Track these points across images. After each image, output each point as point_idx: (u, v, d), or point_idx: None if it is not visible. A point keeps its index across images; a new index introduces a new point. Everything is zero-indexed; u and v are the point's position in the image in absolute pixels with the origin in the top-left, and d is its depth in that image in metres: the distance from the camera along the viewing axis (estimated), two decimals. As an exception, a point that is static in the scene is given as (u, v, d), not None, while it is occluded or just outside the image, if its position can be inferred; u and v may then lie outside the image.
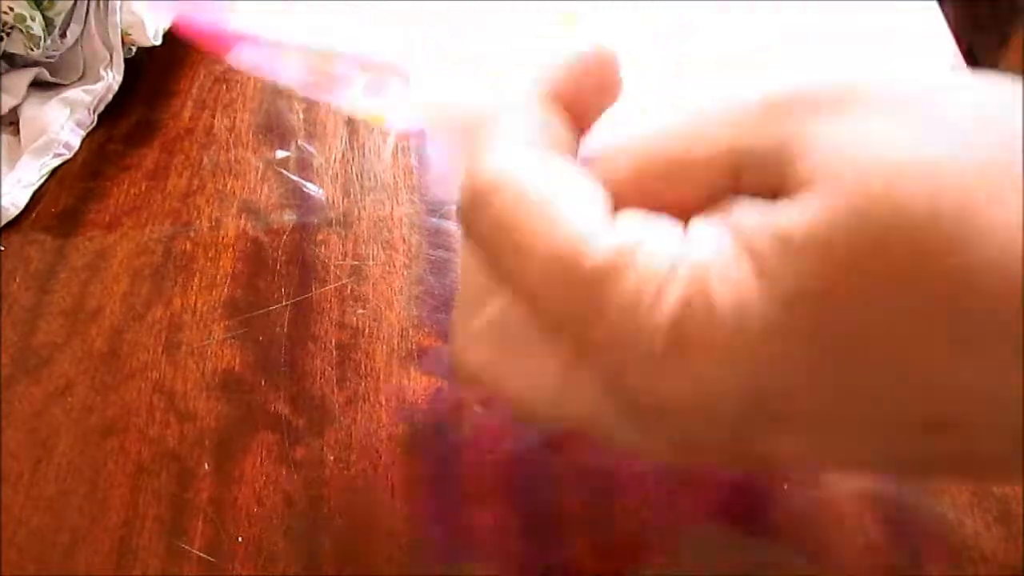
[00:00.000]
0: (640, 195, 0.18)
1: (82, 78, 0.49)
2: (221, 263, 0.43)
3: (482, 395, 0.36)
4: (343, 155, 0.48)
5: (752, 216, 0.16)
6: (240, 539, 0.35)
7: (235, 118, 0.50)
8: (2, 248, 0.45)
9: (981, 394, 0.13)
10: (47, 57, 0.48)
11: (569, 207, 0.17)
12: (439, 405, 0.38)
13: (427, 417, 0.36)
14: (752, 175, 0.16)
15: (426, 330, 0.41)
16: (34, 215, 0.46)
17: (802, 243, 0.14)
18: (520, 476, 0.35)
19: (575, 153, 0.21)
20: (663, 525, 0.32)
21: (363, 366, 0.40)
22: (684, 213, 0.18)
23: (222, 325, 0.41)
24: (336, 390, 0.39)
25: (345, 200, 0.46)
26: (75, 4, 0.48)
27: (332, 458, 0.37)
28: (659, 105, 0.45)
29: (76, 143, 0.48)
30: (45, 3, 0.47)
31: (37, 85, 0.48)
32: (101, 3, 0.48)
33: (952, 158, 0.13)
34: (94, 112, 0.49)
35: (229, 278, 0.43)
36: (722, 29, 0.56)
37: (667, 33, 0.37)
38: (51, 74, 0.49)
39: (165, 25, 0.50)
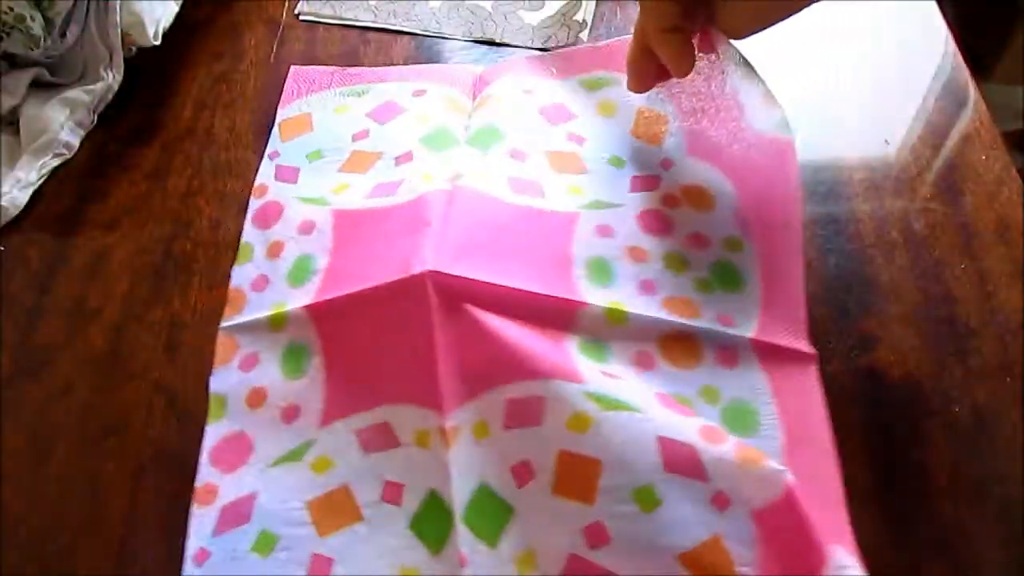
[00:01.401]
0: None
1: (82, 78, 0.49)
2: (221, 263, 0.43)
3: None
4: (343, 155, 0.48)
5: None
6: (240, 539, 0.35)
7: (235, 118, 0.50)
8: (2, 248, 0.44)
9: None
10: (47, 57, 0.48)
11: None
12: None
13: None
14: None
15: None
16: (34, 215, 0.46)
17: None
18: None
19: None
20: None
21: (363, 366, 0.40)
22: None
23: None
24: (336, 390, 0.39)
25: (345, 200, 0.46)
26: (75, 4, 0.48)
27: (332, 458, 0.37)
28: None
29: (76, 143, 0.48)
30: (45, 3, 0.47)
31: (37, 85, 0.48)
32: (101, 3, 0.48)
33: None
34: (94, 112, 0.49)
35: (229, 278, 0.43)
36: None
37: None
38: (51, 74, 0.49)
39: (165, 25, 0.50)
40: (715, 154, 0.43)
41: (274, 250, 0.41)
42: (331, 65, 0.52)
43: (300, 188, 0.44)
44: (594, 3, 0.54)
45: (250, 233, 0.43)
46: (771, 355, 0.37)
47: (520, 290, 0.36)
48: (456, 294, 0.36)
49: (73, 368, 0.40)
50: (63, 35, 0.48)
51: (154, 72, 0.52)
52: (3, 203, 0.45)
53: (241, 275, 0.41)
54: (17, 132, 0.47)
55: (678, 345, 0.37)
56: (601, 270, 0.39)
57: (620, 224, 0.40)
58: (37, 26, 0.47)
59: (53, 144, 0.47)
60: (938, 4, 0.55)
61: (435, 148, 0.44)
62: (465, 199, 0.39)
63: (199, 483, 0.35)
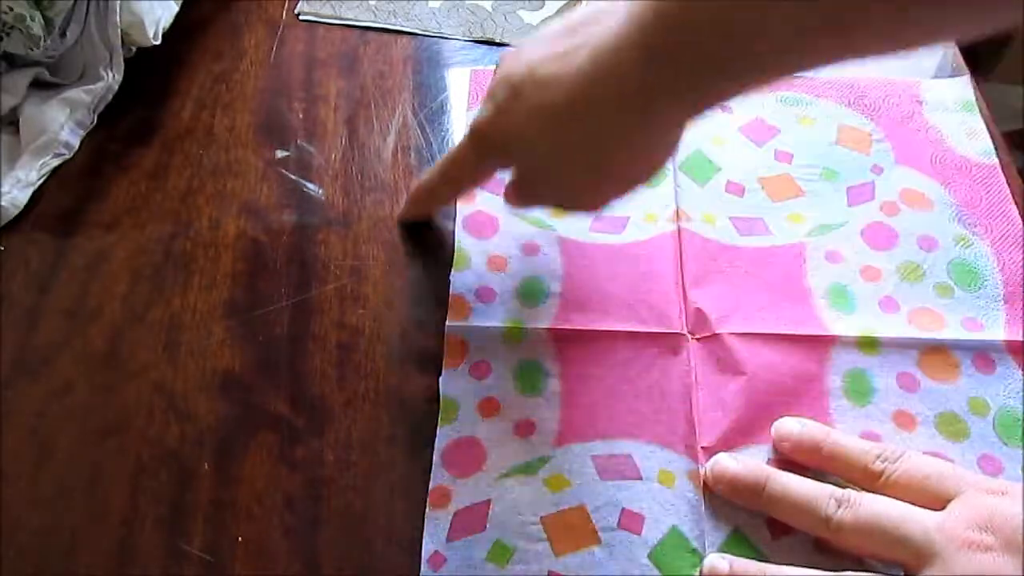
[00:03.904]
0: None
1: (82, 78, 0.49)
2: (221, 263, 0.43)
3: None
4: (343, 155, 0.48)
5: None
6: (240, 539, 0.35)
7: (235, 118, 0.50)
8: (2, 248, 0.45)
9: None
10: (47, 57, 0.48)
11: None
12: None
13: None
14: None
15: (426, 330, 0.41)
16: (34, 215, 0.46)
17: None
18: None
19: None
20: None
21: (363, 366, 0.40)
22: None
23: (222, 325, 0.41)
24: (336, 390, 0.39)
25: (345, 200, 0.46)
26: (75, 4, 0.48)
27: (332, 458, 0.37)
28: None
29: (76, 143, 0.48)
30: (45, 3, 0.47)
31: (37, 85, 0.48)
32: (101, 3, 0.48)
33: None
34: (94, 112, 0.49)
35: (229, 278, 0.43)
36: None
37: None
38: (51, 74, 0.49)
39: (165, 25, 0.50)
40: (925, 164, 0.45)
41: (496, 263, 0.42)
42: (332, 64, 0.52)
43: None
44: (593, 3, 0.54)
45: (464, 239, 0.44)
46: None
47: (771, 334, 0.39)
48: (713, 351, 0.39)
49: (73, 368, 0.40)
50: (63, 35, 0.48)
51: (154, 72, 0.52)
52: (3, 203, 0.45)
53: (462, 282, 0.42)
54: (17, 132, 0.47)
55: (934, 360, 0.38)
56: (840, 297, 0.40)
57: (847, 246, 0.42)
58: (37, 26, 0.47)
59: (53, 144, 0.47)
60: (938, 4, 0.54)
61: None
62: (693, 244, 0.42)
63: (432, 485, 0.36)
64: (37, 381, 0.40)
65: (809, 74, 0.50)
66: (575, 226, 0.44)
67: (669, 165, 0.46)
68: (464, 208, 0.45)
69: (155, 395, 0.39)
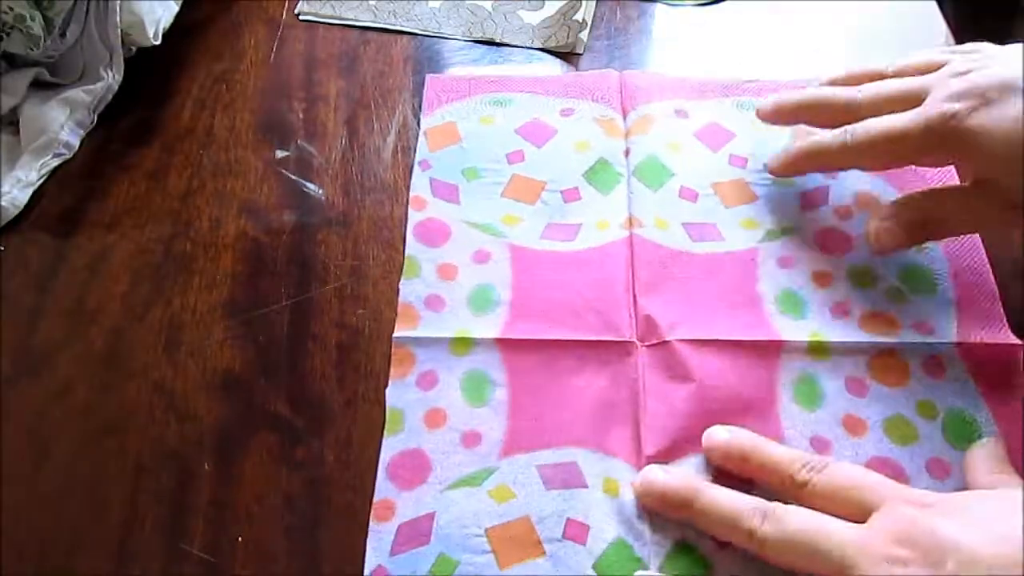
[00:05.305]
0: None
1: (82, 78, 0.49)
2: (221, 263, 0.43)
3: None
4: (343, 155, 0.48)
5: None
6: (240, 539, 0.35)
7: (235, 118, 0.50)
8: (2, 248, 0.45)
9: None
10: (47, 57, 0.48)
11: None
12: None
13: None
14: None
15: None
16: (34, 215, 0.46)
17: None
18: None
19: None
20: None
21: (363, 366, 0.40)
22: None
23: (222, 325, 0.41)
24: (336, 390, 0.39)
25: (345, 200, 0.46)
26: (75, 4, 0.48)
27: (332, 458, 0.37)
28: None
29: (76, 143, 0.48)
30: (45, 3, 0.47)
31: (37, 85, 0.48)
32: (101, 3, 0.48)
33: None
34: (94, 112, 0.49)
35: (229, 278, 0.43)
36: (721, 30, 0.56)
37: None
38: (51, 74, 0.49)
39: (165, 25, 0.50)
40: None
41: (447, 272, 0.42)
42: (332, 64, 0.52)
43: (464, 211, 0.44)
44: (594, 3, 0.54)
45: (415, 247, 0.43)
46: (976, 355, 0.38)
47: (721, 341, 0.39)
48: (663, 358, 0.38)
49: (73, 368, 0.40)
50: (63, 35, 0.48)
51: (154, 72, 0.52)
52: (3, 203, 0.45)
53: (411, 291, 0.42)
54: (17, 132, 0.47)
55: (885, 364, 0.38)
56: (791, 303, 0.40)
57: (800, 252, 0.42)
58: (37, 26, 0.47)
59: (53, 144, 0.47)
60: (938, 4, 0.55)
61: (601, 188, 0.45)
62: (645, 250, 0.42)
63: (377, 497, 0.36)
64: (37, 381, 0.40)
65: (765, 78, 0.49)
66: (526, 234, 0.43)
67: (623, 172, 0.45)
68: (415, 215, 0.44)
69: (155, 395, 0.39)
